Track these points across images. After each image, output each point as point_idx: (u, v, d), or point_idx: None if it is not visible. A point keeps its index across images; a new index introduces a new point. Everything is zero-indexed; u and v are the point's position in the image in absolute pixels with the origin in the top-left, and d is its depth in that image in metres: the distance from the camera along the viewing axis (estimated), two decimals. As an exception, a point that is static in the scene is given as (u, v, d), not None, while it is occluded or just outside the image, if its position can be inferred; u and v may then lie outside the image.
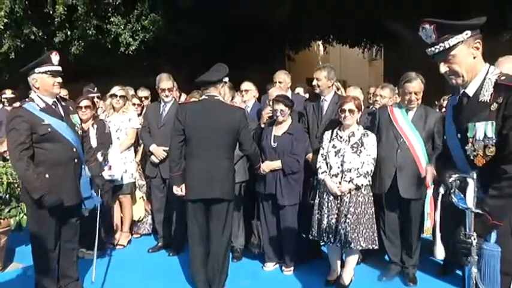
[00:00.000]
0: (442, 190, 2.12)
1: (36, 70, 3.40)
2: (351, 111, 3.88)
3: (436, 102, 5.20)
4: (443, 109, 4.66)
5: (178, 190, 3.86)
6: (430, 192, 3.88)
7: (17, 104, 3.42)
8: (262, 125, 4.67)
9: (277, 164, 4.17)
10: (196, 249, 3.86)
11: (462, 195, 2.06)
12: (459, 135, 2.21)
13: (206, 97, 3.85)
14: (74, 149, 3.53)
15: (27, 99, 3.44)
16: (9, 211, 4.24)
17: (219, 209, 3.78)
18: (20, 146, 3.26)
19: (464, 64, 2.14)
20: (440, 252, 2.17)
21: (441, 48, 2.13)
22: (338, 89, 4.61)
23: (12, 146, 3.29)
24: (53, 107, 3.50)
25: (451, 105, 2.36)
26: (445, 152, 2.39)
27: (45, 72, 3.41)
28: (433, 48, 2.16)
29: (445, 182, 2.09)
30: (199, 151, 3.74)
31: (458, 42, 2.10)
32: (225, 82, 3.95)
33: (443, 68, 2.18)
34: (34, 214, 3.43)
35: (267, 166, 4.19)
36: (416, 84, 3.96)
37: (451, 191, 2.07)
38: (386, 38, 11.61)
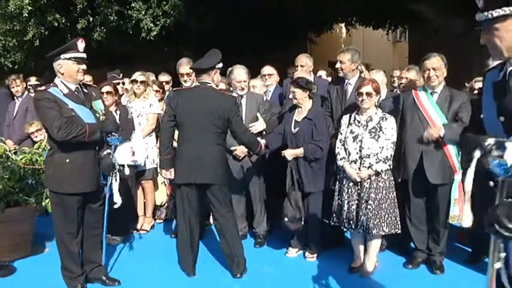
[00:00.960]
0: (477, 154, 1.90)
1: (62, 56, 3.43)
2: (368, 94, 3.77)
3: (467, 84, 5.01)
4: (475, 91, 4.50)
5: (167, 174, 3.95)
6: (458, 177, 3.78)
7: (42, 88, 3.44)
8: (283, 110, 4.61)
9: (300, 151, 4.11)
10: (183, 233, 3.92)
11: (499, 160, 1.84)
12: (502, 119, 2.03)
13: (198, 84, 3.91)
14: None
15: (51, 84, 3.46)
16: (35, 196, 4.30)
17: (213, 193, 3.85)
18: (60, 119, 3.30)
19: (507, 40, 1.99)
20: (467, 220, 2.00)
21: (485, 18, 1.98)
22: (361, 72, 4.49)
23: (50, 122, 3.31)
24: (76, 93, 3.52)
25: (490, 81, 2.14)
26: (473, 129, 2.21)
27: (71, 59, 3.44)
28: (480, 15, 2.01)
29: (481, 144, 1.89)
30: (190, 136, 3.81)
31: (504, 15, 1.94)
32: (218, 68, 3.92)
33: (482, 39, 2.04)
34: (56, 199, 3.48)
35: (289, 154, 4.13)
36: (434, 61, 3.84)
37: (488, 153, 1.86)
38: (411, 19, 11.29)
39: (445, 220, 3.96)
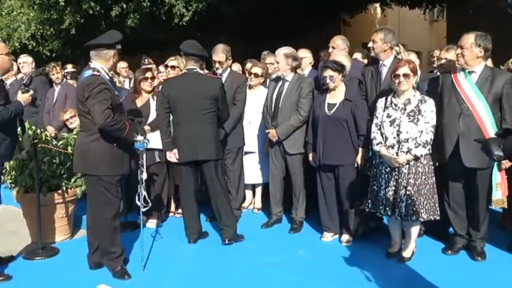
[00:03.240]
0: None
1: (117, 46, 3.61)
2: (405, 75, 3.64)
3: (501, 67, 4.77)
4: (515, 71, 4.30)
5: (172, 155, 4.27)
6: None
7: (96, 73, 3.50)
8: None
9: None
10: (188, 205, 4.36)
11: None
12: None
13: (186, 71, 4.25)
14: (129, 120, 3.71)
15: (95, 69, 3.51)
16: (75, 181, 4.43)
17: (208, 168, 4.23)
18: (107, 107, 3.41)
19: None
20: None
21: None
22: (398, 53, 4.35)
23: (101, 108, 3.39)
24: (113, 80, 3.65)
25: None
26: None
27: (119, 49, 3.63)
28: None
29: None
30: (184, 119, 4.16)
31: None
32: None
33: None
34: (101, 183, 3.55)
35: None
36: (463, 38, 3.71)
37: None
38: (449, -3, 10.90)
39: (485, 205, 3.84)
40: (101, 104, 3.40)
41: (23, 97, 3.88)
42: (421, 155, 3.63)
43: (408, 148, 3.64)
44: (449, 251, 4.00)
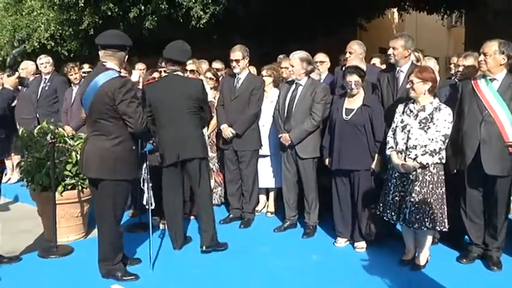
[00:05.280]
0: None
1: (128, 48, 3.58)
2: (413, 82, 3.64)
3: None
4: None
5: (154, 159, 4.21)
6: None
7: (124, 75, 3.58)
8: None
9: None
10: (173, 207, 4.29)
11: None
12: None
13: (166, 74, 4.33)
14: None
15: (117, 71, 3.49)
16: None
17: (193, 167, 4.17)
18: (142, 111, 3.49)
19: None
20: None
21: None
22: (418, 61, 4.31)
23: (137, 113, 3.43)
24: None
25: None
26: None
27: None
28: None
29: None
30: (168, 121, 4.16)
31: None
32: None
33: None
34: (116, 188, 3.52)
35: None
36: (486, 45, 3.68)
37: None
38: (468, 3, 10.76)
39: (504, 213, 3.78)
40: (138, 107, 3.43)
41: (9, 81, 3.83)
42: (429, 164, 3.59)
43: (415, 155, 3.61)
44: (464, 260, 3.94)
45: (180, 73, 4.27)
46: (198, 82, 4.38)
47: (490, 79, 3.73)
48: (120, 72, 3.51)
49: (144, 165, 3.79)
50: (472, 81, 3.83)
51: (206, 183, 4.28)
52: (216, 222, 4.31)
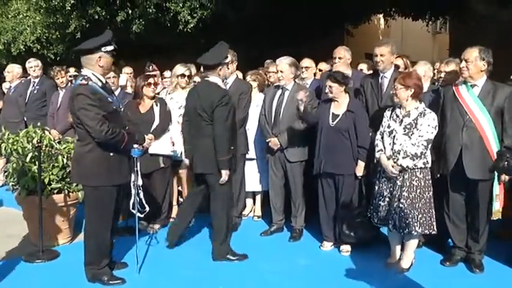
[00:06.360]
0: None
1: (103, 49, 3.45)
2: (396, 88, 3.71)
3: None
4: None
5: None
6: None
7: (83, 82, 3.39)
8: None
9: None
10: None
11: None
12: None
13: (199, 79, 4.19)
14: (127, 127, 3.64)
15: (85, 77, 3.41)
16: (77, 185, 4.45)
17: (207, 181, 4.15)
18: (105, 122, 3.34)
19: None
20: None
21: None
22: (406, 67, 4.38)
23: (94, 122, 3.31)
24: (107, 85, 3.58)
25: None
26: None
27: (110, 52, 3.47)
28: None
29: None
30: (192, 129, 4.14)
31: None
32: (226, 63, 4.11)
33: None
34: (95, 193, 3.50)
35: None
36: (467, 52, 3.76)
37: None
38: (452, 10, 10.93)
39: (485, 217, 3.87)
40: (95, 115, 3.31)
41: None
42: (413, 168, 3.65)
43: (398, 159, 3.69)
44: (448, 263, 4.02)
45: (211, 78, 4.05)
46: (217, 93, 3.98)
47: (471, 85, 3.81)
48: (85, 77, 3.42)
49: (135, 170, 3.75)
50: (454, 87, 3.92)
51: (218, 200, 4.11)
52: (226, 235, 4.15)
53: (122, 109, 3.82)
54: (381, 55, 4.24)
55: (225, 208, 4.11)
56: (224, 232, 4.11)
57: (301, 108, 4.17)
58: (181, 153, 4.98)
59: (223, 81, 4.24)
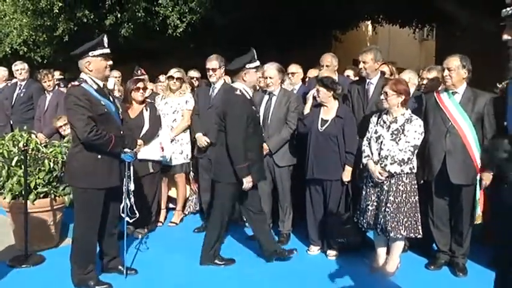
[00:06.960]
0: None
1: (90, 53, 3.46)
2: (387, 94, 3.77)
3: (498, 85, 4.89)
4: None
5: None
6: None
7: (76, 83, 3.43)
8: (308, 109, 4.60)
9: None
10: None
11: None
12: None
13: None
14: (122, 132, 3.63)
15: (81, 80, 3.46)
16: (63, 189, 4.43)
17: (213, 187, 4.22)
18: (90, 123, 3.34)
19: None
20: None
21: (510, 12, 1.91)
22: (392, 74, 4.45)
23: (80, 123, 3.33)
24: (104, 89, 3.59)
25: None
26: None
27: (100, 55, 3.48)
28: (508, 9, 1.94)
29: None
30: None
31: None
32: (250, 68, 3.93)
33: (505, 35, 1.98)
34: (83, 195, 3.49)
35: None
36: (449, 61, 3.84)
37: None
38: (439, 18, 11.10)
39: (469, 221, 3.94)
40: (81, 116, 3.33)
41: None
42: (396, 173, 3.70)
43: (385, 165, 3.74)
44: (432, 267, 4.07)
45: (235, 84, 3.98)
46: (230, 99, 3.90)
47: (452, 92, 3.89)
48: (80, 79, 3.47)
49: (126, 174, 3.72)
50: (435, 94, 4.00)
51: (217, 209, 4.06)
52: (216, 243, 4.11)
53: (120, 112, 3.78)
54: (364, 62, 4.32)
55: (221, 220, 4.05)
56: (214, 240, 4.09)
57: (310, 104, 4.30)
58: (170, 158, 5.01)
59: (256, 88, 4.22)
